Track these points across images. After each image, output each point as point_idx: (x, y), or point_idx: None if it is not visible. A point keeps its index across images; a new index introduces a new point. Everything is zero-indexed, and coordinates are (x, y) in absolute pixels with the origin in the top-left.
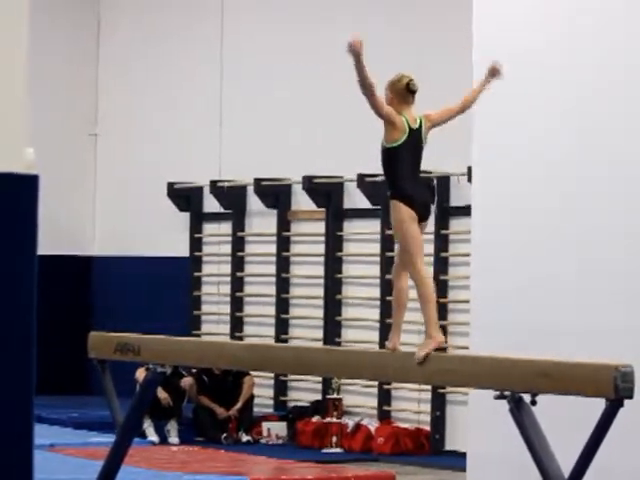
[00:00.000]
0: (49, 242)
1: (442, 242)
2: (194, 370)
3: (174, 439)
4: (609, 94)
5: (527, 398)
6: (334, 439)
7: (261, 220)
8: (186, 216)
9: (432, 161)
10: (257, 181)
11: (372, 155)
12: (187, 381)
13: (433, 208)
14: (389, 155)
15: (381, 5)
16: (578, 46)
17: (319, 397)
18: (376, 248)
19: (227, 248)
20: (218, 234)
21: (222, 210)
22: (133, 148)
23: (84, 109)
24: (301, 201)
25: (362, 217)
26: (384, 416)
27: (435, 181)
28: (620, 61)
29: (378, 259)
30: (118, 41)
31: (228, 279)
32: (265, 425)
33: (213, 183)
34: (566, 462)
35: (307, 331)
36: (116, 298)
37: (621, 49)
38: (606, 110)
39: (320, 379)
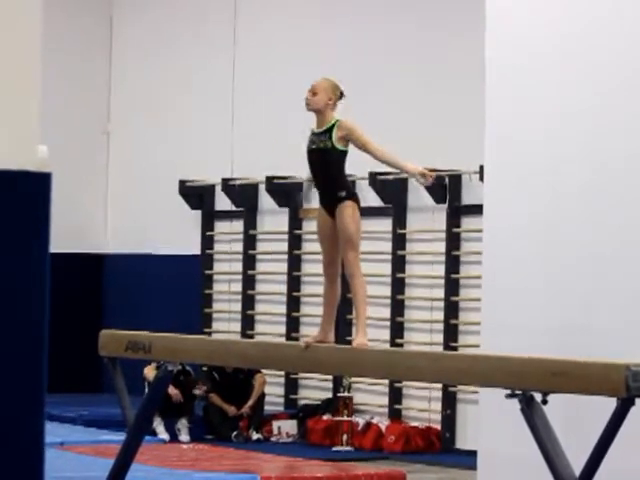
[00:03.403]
0: (61, 240)
1: (454, 240)
2: (205, 368)
3: (184, 437)
4: (624, 93)
5: (538, 397)
6: (345, 437)
7: (272, 218)
8: (198, 214)
9: (444, 159)
10: (269, 179)
11: None
12: (201, 389)
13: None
14: (343, 159)
15: (393, 5)
16: (592, 46)
17: (330, 395)
18: (387, 246)
19: (238, 246)
20: (230, 232)
21: (234, 208)
22: (145, 146)
23: (97, 107)
24: (312, 199)
25: (373, 215)
26: (395, 414)
27: (447, 179)
28: (635, 60)
29: (389, 257)
30: (131, 39)
31: (239, 277)
32: (275, 423)
33: (225, 181)
34: (577, 461)
35: (318, 329)
36: (127, 296)
37: (635, 48)
38: (621, 109)
39: (331, 377)
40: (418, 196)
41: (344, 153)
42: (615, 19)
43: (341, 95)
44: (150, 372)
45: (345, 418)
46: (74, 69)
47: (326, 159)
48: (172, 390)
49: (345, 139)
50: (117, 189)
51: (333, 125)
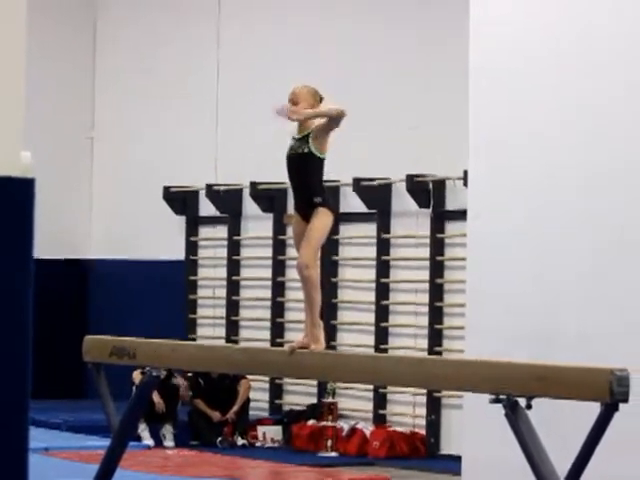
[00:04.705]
0: (45, 246)
1: (438, 246)
2: (190, 373)
3: (169, 443)
4: (608, 99)
5: (522, 402)
6: (329, 443)
7: (257, 224)
8: (182, 220)
9: (428, 165)
10: (253, 185)
11: (368, 159)
12: (182, 383)
13: None
14: (320, 165)
15: (381, 4)
16: (581, 51)
17: (314, 401)
18: (372, 252)
19: (223, 252)
20: (214, 238)
21: (218, 214)
22: (129, 151)
23: (81, 113)
24: None
25: (358, 221)
26: (379, 420)
27: (431, 185)
28: (624, 65)
29: (374, 263)
30: (114, 45)
31: (224, 282)
32: (260, 429)
33: (209, 187)
34: (561, 466)
35: (303, 335)
36: (112, 301)
37: (628, 53)
38: (605, 116)
39: (315, 383)
40: (402, 201)
41: (321, 160)
42: (609, 24)
43: (321, 100)
44: (138, 377)
45: (330, 423)
46: (58, 75)
47: (303, 164)
48: (157, 398)
49: (317, 137)
50: (101, 195)
51: (311, 131)
